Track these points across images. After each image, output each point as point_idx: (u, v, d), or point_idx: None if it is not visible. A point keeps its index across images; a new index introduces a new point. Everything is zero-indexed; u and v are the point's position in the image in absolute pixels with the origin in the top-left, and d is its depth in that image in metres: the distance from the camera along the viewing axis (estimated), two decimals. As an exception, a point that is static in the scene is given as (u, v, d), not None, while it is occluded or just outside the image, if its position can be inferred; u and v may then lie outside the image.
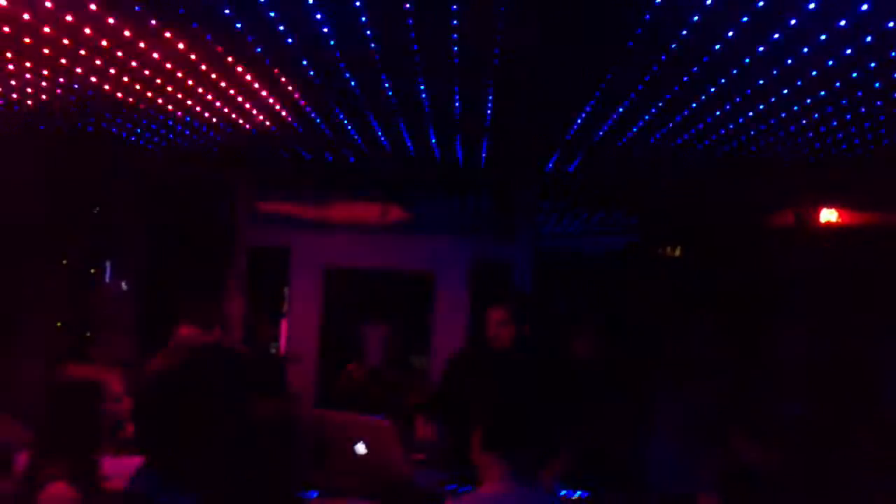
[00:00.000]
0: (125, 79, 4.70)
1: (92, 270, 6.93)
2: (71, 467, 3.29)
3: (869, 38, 3.53)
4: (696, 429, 5.76)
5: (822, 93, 4.40)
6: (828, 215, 7.20)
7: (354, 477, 4.51)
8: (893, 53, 3.69)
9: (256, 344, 7.86)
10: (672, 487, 5.41)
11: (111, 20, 3.77)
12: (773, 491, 4.94)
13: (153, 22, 3.79)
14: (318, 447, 5.02)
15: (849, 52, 3.74)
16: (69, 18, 3.74)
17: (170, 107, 5.35)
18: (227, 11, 3.61)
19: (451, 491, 4.45)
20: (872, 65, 3.89)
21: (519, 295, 4.92)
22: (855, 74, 4.06)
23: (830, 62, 3.92)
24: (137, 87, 4.86)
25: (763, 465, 4.95)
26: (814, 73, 4.09)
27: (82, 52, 4.22)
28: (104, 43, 4.07)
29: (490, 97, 4.76)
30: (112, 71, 4.57)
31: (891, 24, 3.33)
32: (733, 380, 6.46)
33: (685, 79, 4.31)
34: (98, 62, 4.41)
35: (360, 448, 4.52)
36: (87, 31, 3.89)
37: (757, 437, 5.05)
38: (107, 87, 4.87)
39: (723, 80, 4.29)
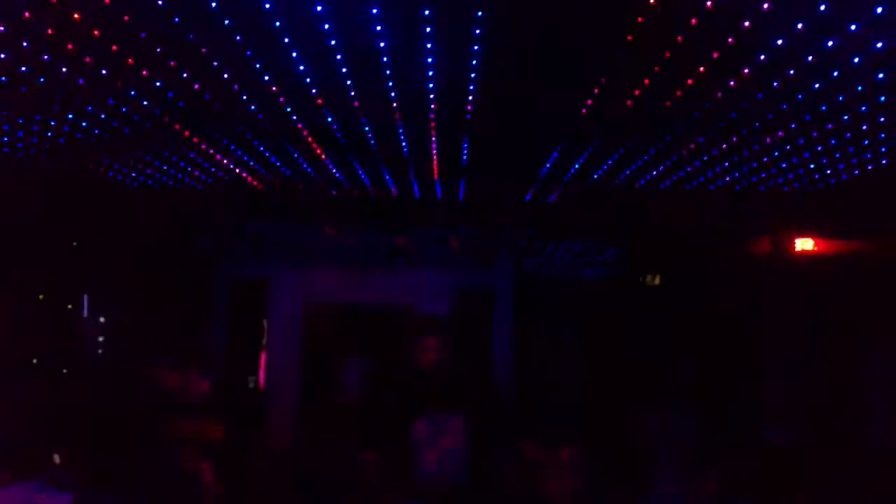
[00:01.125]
0: (111, 121, 4.72)
1: (69, 305, 6.88)
2: None
3: (836, 73, 3.61)
4: (679, 454, 5.77)
5: (793, 125, 4.47)
6: (803, 244, 7.28)
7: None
8: (860, 87, 3.77)
9: (234, 378, 7.83)
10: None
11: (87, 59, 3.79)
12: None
13: (130, 61, 3.81)
14: (301, 481, 5.00)
15: (817, 86, 3.81)
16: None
17: (149, 145, 5.36)
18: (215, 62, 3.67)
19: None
20: (840, 98, 3.97)
21: (447, 324, 5.42)
22: (824, 108, 4.14)
23: (800, 96, 3.99)
24: (115, 126, 4.87)
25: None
26: (784, 106, 4.16)
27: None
28: (80, 80, 4.08)
29: (466, 135, 4.81)
30: (90, 108, 4.58)
31: (856, 60, 3.40)
32: (715, 406, 6.48)
33: (658, 113, 4.37)
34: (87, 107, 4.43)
35: (340, 482, 4.49)
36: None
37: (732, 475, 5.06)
38: (84, 123, 4.87)
39: (696, 114, 4.36)
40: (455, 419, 4.92)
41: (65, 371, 6.80)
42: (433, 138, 4.74)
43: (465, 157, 5.31)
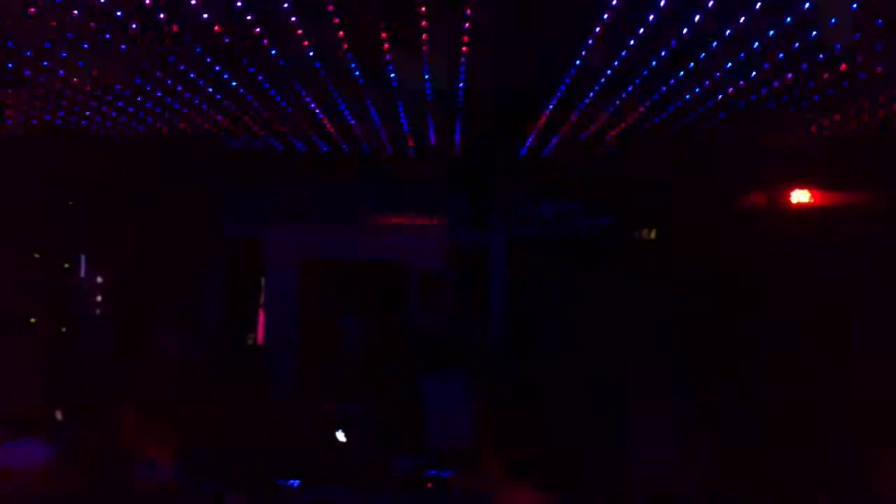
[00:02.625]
0: (94, 72, 4.68)
1: (66, 265, 6.87)
2: None
3: (834, 20, 3.59)
4: (674, 418, 5.82)
5: (790, 75, 4.46)
6: (799, 196, 7.27)
7: (335, 464, 4.54)
8: (857, 35, 3.75)
9: (234, 337, 7.86)
10: (655, 477, 5.47)
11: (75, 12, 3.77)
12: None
13: (118, 13, 3.78)
14: (300, 436, 5.05)
15: (814, 34, 3.79)
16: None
17: (139, 98, 5.33)
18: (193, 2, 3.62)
19: (430, 477, 4.49)
20: (837, 46, 3.94)
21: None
22: (822, 56, 4.12)
23: (797, 44, 3.97)
24: (107, 79, 4.84)
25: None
26: (780, 55, 4.15)
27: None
28: (69, 35, 4.05)
29: (461, 83, 4.77)
30: (80, 63, 4.54)
31: (854, 6, 3.37)
32: (708, 363, 6.52)
33: (654, 63, 4.35)
34: (64, 54, 4.39)
35: (341, 436, 4.55)
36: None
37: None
38: (74, 79, 4.84)
39: (691, 65, 4.34)
40: (460, 377, 4.94)
41: (63, 329, 6.82)
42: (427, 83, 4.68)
43: (460, 103, 5.24)
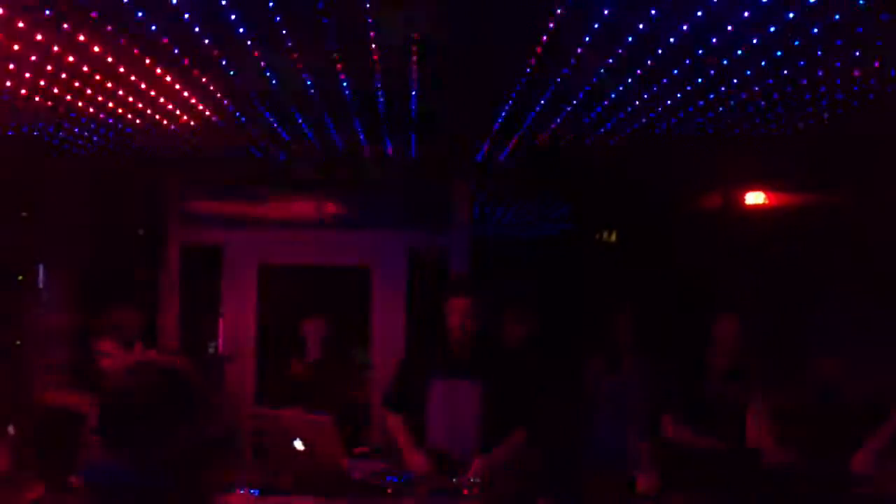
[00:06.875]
0: (41, 82, 4.62)
1: (20, 277, 6.79)
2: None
3: (791, 15, 3.58)
4: (632, 409, 5.88)
5: (734, 81, 4.49)
6: (754, 198, 7.35)
7: (294, 473, 4.51)
8: (815, 30, 3.75)
9: (194, 345, 7.79)
10: (610, 467, 5.53)
11: (21, 24, 3.70)
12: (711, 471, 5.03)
13: (65, 26, 3.73)
14: (258, 444, 5.02)
15: (773, 29, 3.78)
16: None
17: (91, 109, 5.26)
18: (140, 14, 3.57)
19: (391, 483, 4.48)
20: (796, 42, 3.94)
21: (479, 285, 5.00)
22: (767, 59, 4.15)
23: (744, 47, 4.00)
24: (55, 90, 4.77)
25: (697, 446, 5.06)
26: (723, 62, 4.17)
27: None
28: (16, 47, 3.99)
29: (414, 88, 4.76)
30: (27, 75, 4.48)
31: (811, 1, 3.38)
32: (669, 360, 6.58)
33: (609, 62, 4.36)
34: (11, 66, 4.32)
35: (299, 444, 4.52)
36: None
37: (688, 421, 5.15)
38: (23, 91, 4.78)
39: (640, 70, 4.37)
40: (471, 384, 4.80)
41: (18, 343, 6.74)
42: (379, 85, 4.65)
43: (413, 108, 5.22)
